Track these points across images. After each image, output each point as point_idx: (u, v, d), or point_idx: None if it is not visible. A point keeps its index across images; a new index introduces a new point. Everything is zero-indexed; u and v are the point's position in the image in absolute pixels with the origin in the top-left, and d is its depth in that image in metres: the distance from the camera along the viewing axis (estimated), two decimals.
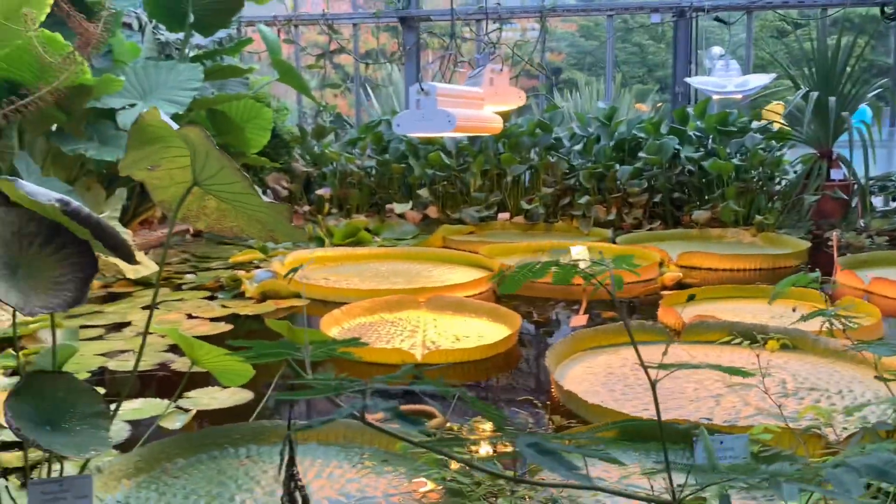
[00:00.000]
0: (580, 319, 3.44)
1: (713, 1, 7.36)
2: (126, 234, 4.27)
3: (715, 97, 6.74)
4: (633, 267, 1.09)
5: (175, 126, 1.44)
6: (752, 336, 2.21)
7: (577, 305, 4.05)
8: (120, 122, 4.68)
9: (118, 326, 3.57)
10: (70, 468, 1.81)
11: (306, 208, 6.70)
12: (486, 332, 3.38)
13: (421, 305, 3.78)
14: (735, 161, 6.00)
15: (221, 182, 1.53)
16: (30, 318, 3.40)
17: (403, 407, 2.46)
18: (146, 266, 4.23)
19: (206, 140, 1.43)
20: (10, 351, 3.13)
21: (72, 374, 1.51)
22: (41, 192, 1.38)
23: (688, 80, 6.59)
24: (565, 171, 6.55)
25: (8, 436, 2.16)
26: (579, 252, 4.21)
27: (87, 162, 4.69)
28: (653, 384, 1.08)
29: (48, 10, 3.80)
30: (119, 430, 2.33)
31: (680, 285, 4.44)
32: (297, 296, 4.16)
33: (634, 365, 2.84)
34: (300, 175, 6.99)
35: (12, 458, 2.08)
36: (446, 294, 3.96)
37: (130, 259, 1.48)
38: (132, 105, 4.78)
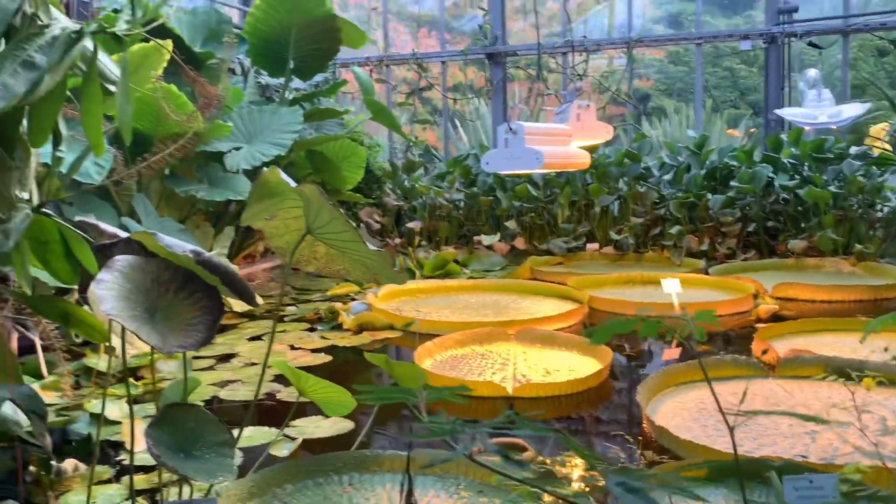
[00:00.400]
0: (672, 353, 3.45)
1: (806, 25, 7.21)
2: (233, 268, 4.53)
3: (807, 128, 6.58)
4: (713, 321, 1.15)
5: (293, 183, 1.60)
6: (847, 373, 2.20)
7: (669, 338, 4.04)
8: (227, 164, 5.00)
9: (227, 357, 3.80)
10: (193, 492, 1.98)
11: (397, 241, 6.91)
12: (576, 365, 3.43)
13: (511, 338, 3.87)
14: (832, 188, 5.84)
15: (331, 231, 1.67)
16: (146, 349, 3.67)
17: (496, 440, 2.54)
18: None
19: (318, 195, 1.58)
20: (132, 380, 3.40)
21: (200, 406, 1.67)
22: (177, 244, 1.56)
23: (778, 111, 6.47)
24: (655, 200, 6.52)
25: (139, 460, 2.36)
26: (671, 286, 4.21)
27: (198, 202, 5.02)
28: (731, 429, 1.14)
29: (164, 64, 4.13)
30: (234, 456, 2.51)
31: (775, 317, 4.36)
32: (391, 327, 4.32)
33: (728, 400, 2.83)
34: (392, 209, 7.22)
35: (140, 480, 2.28)
36: (535, 326, 4.03)
37: (252, 302, 1.64)
38: (238, 148, 5.11)
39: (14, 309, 2.50)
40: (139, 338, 1.46)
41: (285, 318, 4.67)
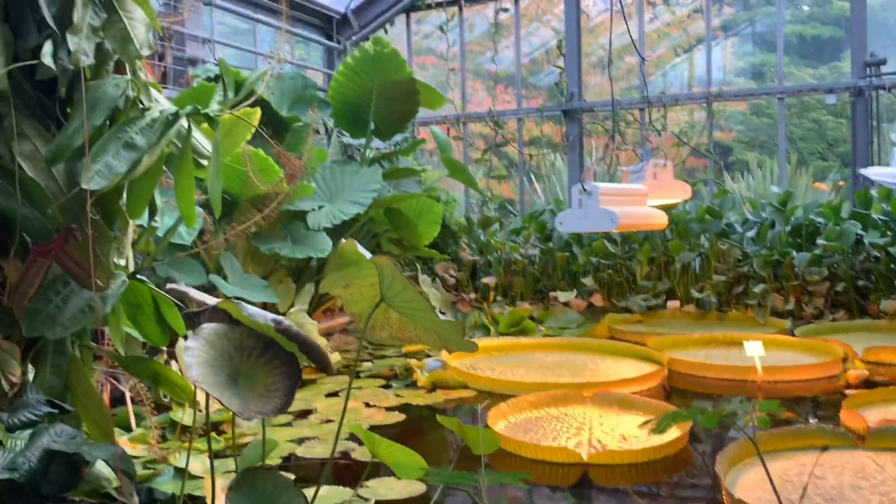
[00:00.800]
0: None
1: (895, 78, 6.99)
2: (312, 324, 4.66)
3: None
4: (777, 410, 1.13)
5: (368, 255, 1.67)
6: None
7: (752, 401, 3.91)
8: (310, 223, 5.18)
9: (305, 413, 3.88)
10: None
11: (472, 296, 6.95)
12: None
13: (586, 401, 3.81)
14: None
15: (404, 300, 1.73)
16: None
17: None
18: (331, 356, 4.58)
19: (392, 266, 1.64)
20: (214, 434, 3.51)
21: (277, 471, 1.73)
22: (259, 313, 1.64)
23: (863, 171, 6.25)
24: (738, 258, 6.37)
25: None
26: (754, 349, 4.09)
27: (281, 258, 5.20)
28: None
29: (253, 130, 4.34)
30: None
31: (867, 383, 4.16)
32: (465, 386, 4.33)
33: (814, 473, 2.71)
34: (467, 263, 7.28)
35: None
36: (612, 389, 3.96)
37: (328, 370, 1.70)
38: (320, 207, 5.29)
39: (108, 363, 2.65)
40: (222, 404, 1.54)
41: (361, 374, 4.74)
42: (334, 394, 4.27)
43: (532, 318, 6.29)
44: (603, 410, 3.71)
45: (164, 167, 1.98)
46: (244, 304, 1.67)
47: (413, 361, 4.81)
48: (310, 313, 6.06)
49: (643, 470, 2.98)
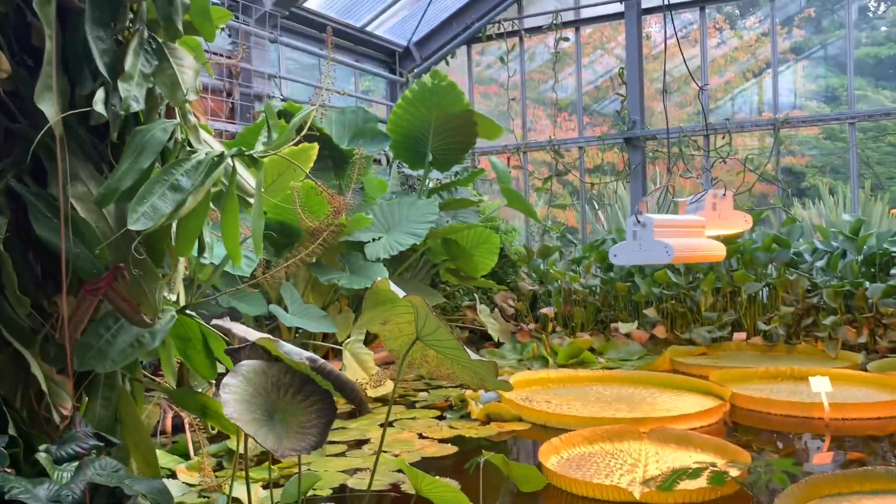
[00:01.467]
0: (824, 457, 3.19)
1: None
2: (368, 354, 4.70)
3: None
4: (795, 469, 1.08)
5: (401, 293, 1.68)
6: None
7: (821, 440, 3.75)
8: (368, 253, 5.25)
9: (359, 443, 3.91)
10: None
11: (532, 326, 6.88)
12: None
13: (643, 437, 3.72)
14: None
15: (438, 338, 1.73)
16: None
17: None
18: (384, 385, 4.61)
19: (425, 305, 1.65)
20: (268, 464, 3.56)
21: None
22: (295, 351, 1.67)
23: None
24: (807, 288, 6.14)
25: None
26: (820, 385, 3.93)
27: (340, 289, 5.28)
28: None
29: (311, 163, 4.44)
30: None
31: None
32: (520, 419, 4.28)
33: None
34: (526, 293, 7.23)
35: None
36: (671, 425, 3.86)
37: (362, 407, 1.71)
38: (378, 238, 5.36)
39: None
40: (256, 441, 1.56)
41: (416, 405, 4.75)
42: (391, 423, 4.28)
43: (592, 350, 6.20)
44: (659, 447, 3.61)
45: (211, 205, 2.05)
46: (281, 341, 1.70)
47: (468, 392, 4.79)
48: (367, 343, 6.12)
49: None
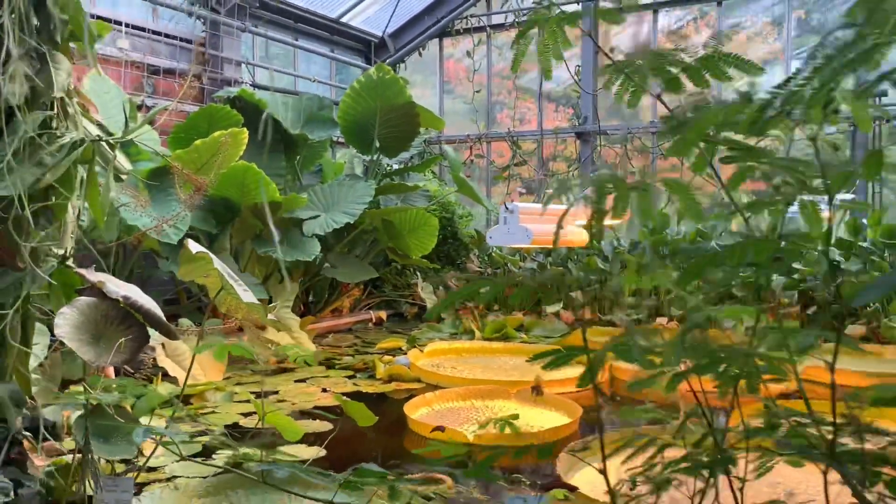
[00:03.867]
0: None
1: None
2: (294, 319, 5.25)
3: None
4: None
5: (195, 249, 2.21)
6: None
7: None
8: (305, 230, 5.79)
9: (268, 394, 4.46)
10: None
11: (472, 303, 7.41)
12: (553, 423, 3.76)
13: (511, 396, 4.24)
14: None
15: (229, 289, 2.26)
16: (202, 381, 4.42)
17: (418, 475, 2.98)
18: (305, 346, 5.16)
19: (210, 260, 2.18)
20: (182, 404, 4.12)
21: (127, 409, 2.29)
22: (116, 291, 2.21)
23: None
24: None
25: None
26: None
27: (280, 261, 5.83)
28: None
29: (244, 146, 4.98)
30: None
31: None
32: (418, 380, 4.82)
33: None
34: (473, 274, 7.75)
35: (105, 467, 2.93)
36: (548, 389, 4.37)
37: (170, 335, 2.25)
38: (316, 216, 5.90)
39: None
40: (80, 355, 2.11)
41: (336, 366, 5.30)
42: (302, 380, 4.84)
43: (521, 328, 6.71)
44: (521, 405, 4.13)
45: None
46: (109, 284, 2.24)
47: (388, 357, 5.33)
48: (318, 312, 6.69)
49: (522, 454, 3.39)
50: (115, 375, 4.81)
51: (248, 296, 2.28)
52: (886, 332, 5.62)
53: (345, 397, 2.89)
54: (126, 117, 2.74)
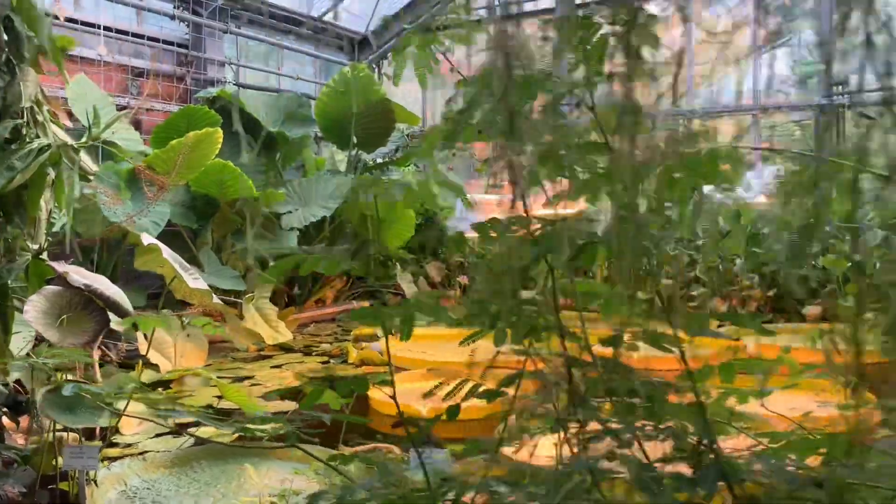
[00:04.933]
0: None
1: None
2: (272, 309, 5.52)
3: None
4: None
5: (147, 241, 2.48)
6: None
7: None
8: (283, 223, 6.05)
9: (243, 379, 4.74)
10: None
11: (452, 293, 7.67)
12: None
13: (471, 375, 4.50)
14: None
15: (179, 277, 2.53)
16: (182, 367, 4.70)
17: (371, 445, 3.25)
18: (283, 334, 5.44)
19: (161, 249, 2.44)
20: (161, 390, 4.40)
21: (83, 384, 2.55)
22: (78, 279, 2.48)
23: None
24: (687, 263, 6.86)
25: None
26: None
27: (248, 254, 6.10)
28: None
29: (219, 145, 5.23)
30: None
31: None
32: (388, 364, 5.08)
33: None
34: (454, 264, 8.01)
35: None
36: (503, 369, 4.63)
37: (122, 315, 2.52)
38: (295, 210, 6.16)
39: None
40: (46, 337, 2.38)
41: (313, 353, 5.57)
42: (278, 366, 5.11)
43: None
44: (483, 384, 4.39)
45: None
46: (74, 274, 2.51)
47: (363, 344, 5.59)
48: (302, 303, 6.96)
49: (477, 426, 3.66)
50: (102, 365, 5.10)
51: (197, 283, 2.55)
52: (841, 311, 5.85)
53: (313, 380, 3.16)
54: (89, 123, 3.00)
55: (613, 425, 1.14)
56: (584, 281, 1.81)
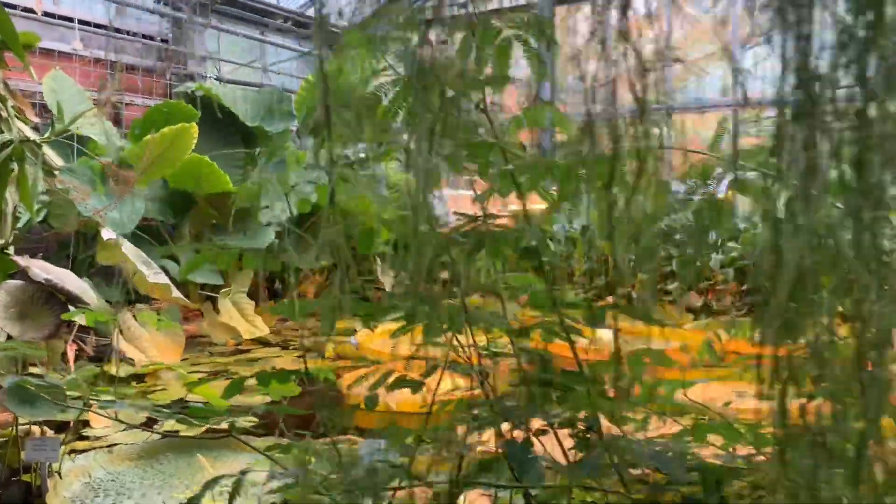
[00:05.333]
0: None
1: None
2: (249, 303, 5.55)
3: None
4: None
5: (108, 236, 2.51)
6: None
7: None
8: (260, 218, 6.07)
9: (218, 374, 4.77)
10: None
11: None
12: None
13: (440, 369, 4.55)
14: None
15: (138, 271, 2.56)
16: (158, 362, 4.73)
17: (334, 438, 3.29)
18: (260, 329, 5.47)
19: (124, 246, 2.48)
20: (134, 384, 4.44)
21: (47, 377, 2.59)
22: (40, 274, 2.51)
23: None
24: (665, 258, 6.94)
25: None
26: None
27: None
28: None
29: (194, 140, 5.25)
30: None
31: None
32: (363, 358, 5.13)
33: None
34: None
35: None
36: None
37: (76, 305, 2.55)
38: (270, 206, 6.17)
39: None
40: (6, 331, 2.41)
41: (290, 347, 5.61)
42: (255, 360, 5.15)
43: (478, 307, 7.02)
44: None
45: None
46: (35, 268, 2.54)
47: (337, 339, 5.63)
48: (282, 297, 6.97)
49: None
50: (77, 359, 5.11)
51: (158, 277, 2.58)
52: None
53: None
54: (53, 120, 3.02)
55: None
56: (519, 275, 1.86)
